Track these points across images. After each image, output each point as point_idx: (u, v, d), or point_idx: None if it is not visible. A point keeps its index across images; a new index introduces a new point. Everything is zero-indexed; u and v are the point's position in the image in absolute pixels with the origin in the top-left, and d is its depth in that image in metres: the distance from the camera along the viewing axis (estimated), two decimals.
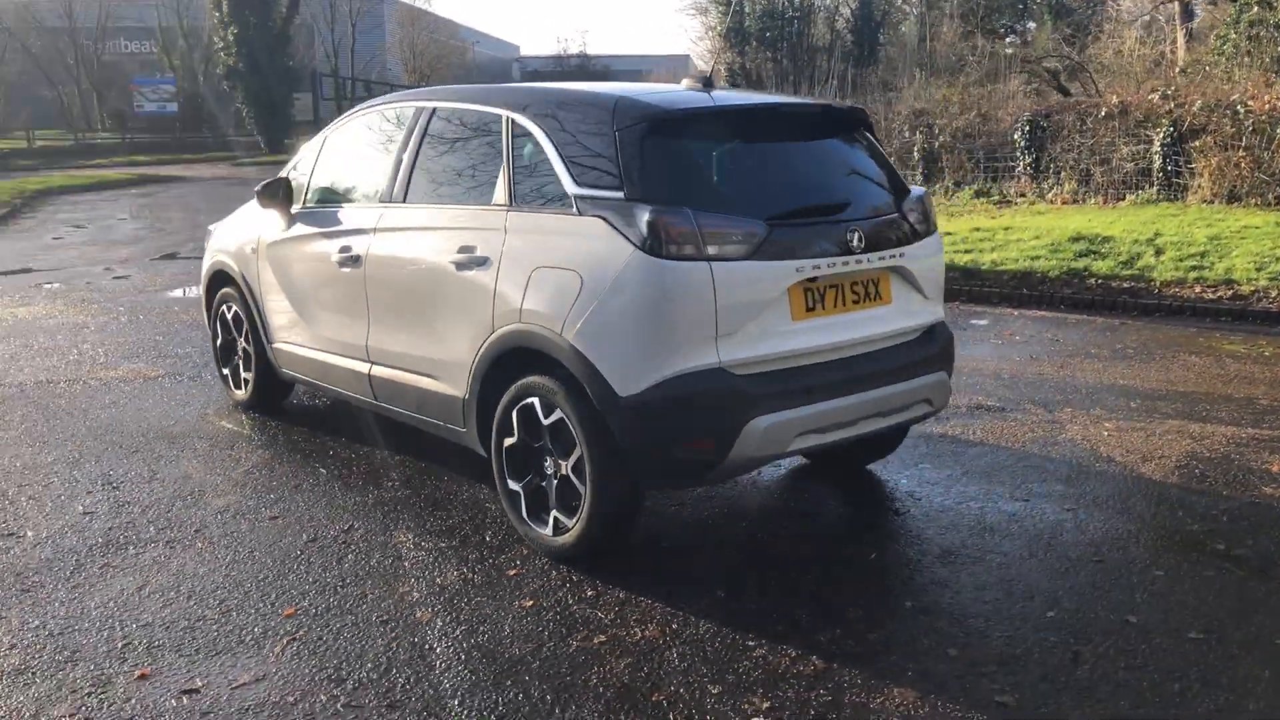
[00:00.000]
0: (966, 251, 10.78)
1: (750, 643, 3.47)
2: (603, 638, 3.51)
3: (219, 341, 6.35)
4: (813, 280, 3.93)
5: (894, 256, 4.20)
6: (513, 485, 4.22)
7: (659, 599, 3.78)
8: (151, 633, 3.56)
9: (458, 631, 3.55)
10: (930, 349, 4.43)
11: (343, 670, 3.31)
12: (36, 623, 3.65)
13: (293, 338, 5.60)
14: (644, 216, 3.71)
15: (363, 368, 5.02)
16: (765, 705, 3.09)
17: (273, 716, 3.06)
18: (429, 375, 4.56)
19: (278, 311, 5.66)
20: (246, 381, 6.14)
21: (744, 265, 3.76)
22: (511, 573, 4.01)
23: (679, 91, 4.35)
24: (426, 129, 4.79)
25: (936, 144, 16.42)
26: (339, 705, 3.12)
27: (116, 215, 19.82)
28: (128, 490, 4.95)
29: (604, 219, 3.81)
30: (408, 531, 4.42)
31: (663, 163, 3.85)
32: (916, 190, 4.56)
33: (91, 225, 18.07)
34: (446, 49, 64.32)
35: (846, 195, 4.32)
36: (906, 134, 16.93)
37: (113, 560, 4.15)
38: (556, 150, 4.07)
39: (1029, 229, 11.65)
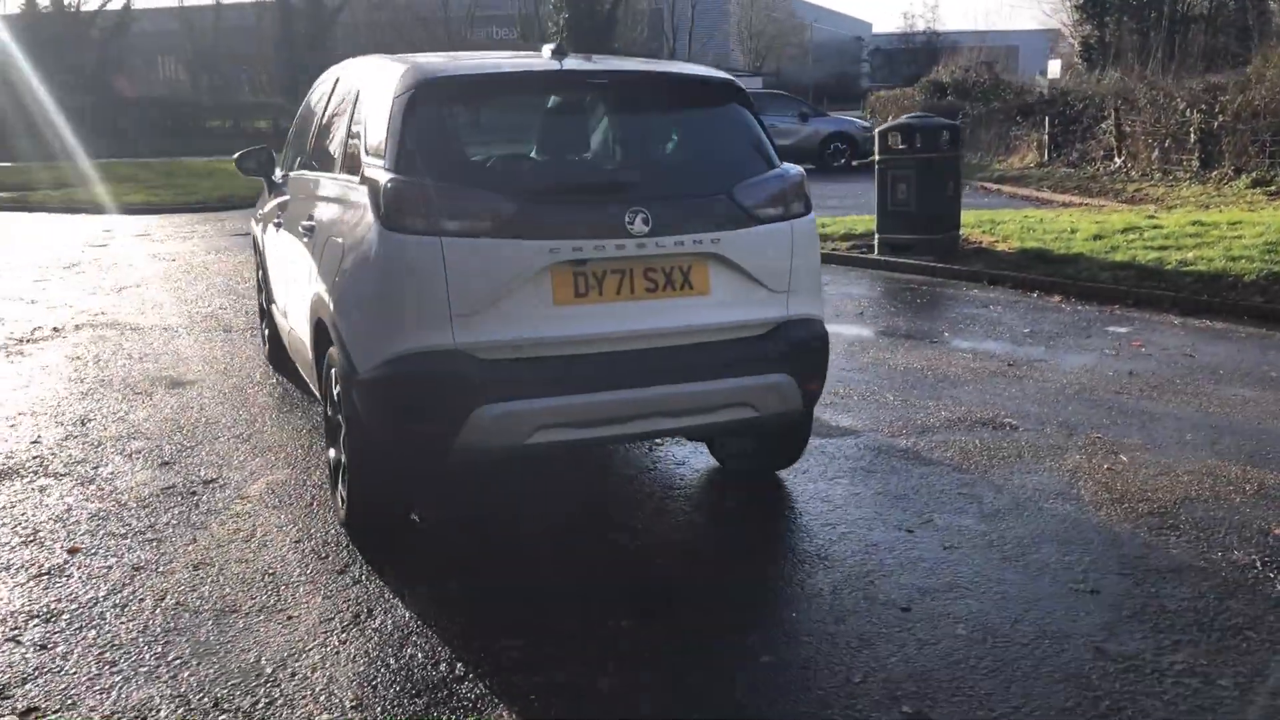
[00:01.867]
0: (1158, 249, 9.26)
1: (490, 640, 3.27)
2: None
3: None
4: (580, 263, 3.58)
5: (707, 242, 3.73)
6: (330, 453, 4.23)
7: (400, 583, 3.65)
8: None
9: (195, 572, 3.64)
10: (767, 348, 3.89)
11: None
12: None
13: (277, 301, 5.93)
14: (381, 187, 3.57)
15: (286, 329, 5.22)
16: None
17: None
18: (301, 342, 4.68)
19: (271, 276, 6.03)
20: (264, 338, 6.59)
21: (484, 243, 3.48)
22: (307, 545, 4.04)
23: (493, 59, 4.11)
24: (330, 95, 4.87)
25: (1215, 124, 14.16)
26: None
27: None
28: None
29: (368, 189, 3.70)
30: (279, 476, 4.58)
31: (427, 133, 3.64)
32: (779, 171, 4.02)
33: None
34: (784, 28, 64.21)
35: (640, 173, 3.89)
36: (1186, 112, 14.73)
37: None
38: (362, 119, 4.01)
39: (1260, 224, 9.80)
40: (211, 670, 3.04)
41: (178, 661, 3.09)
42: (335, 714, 2.82)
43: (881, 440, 5.09)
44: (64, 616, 3.37)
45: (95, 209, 17.36)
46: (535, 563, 3.86)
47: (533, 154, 3.91)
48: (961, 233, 10.51)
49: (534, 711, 2.84)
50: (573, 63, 4.01)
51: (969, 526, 4.08)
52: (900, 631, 3.28)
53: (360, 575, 3.67)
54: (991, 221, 11.33)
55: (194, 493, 4.46)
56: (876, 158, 10.12)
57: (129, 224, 15.82)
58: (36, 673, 3.04)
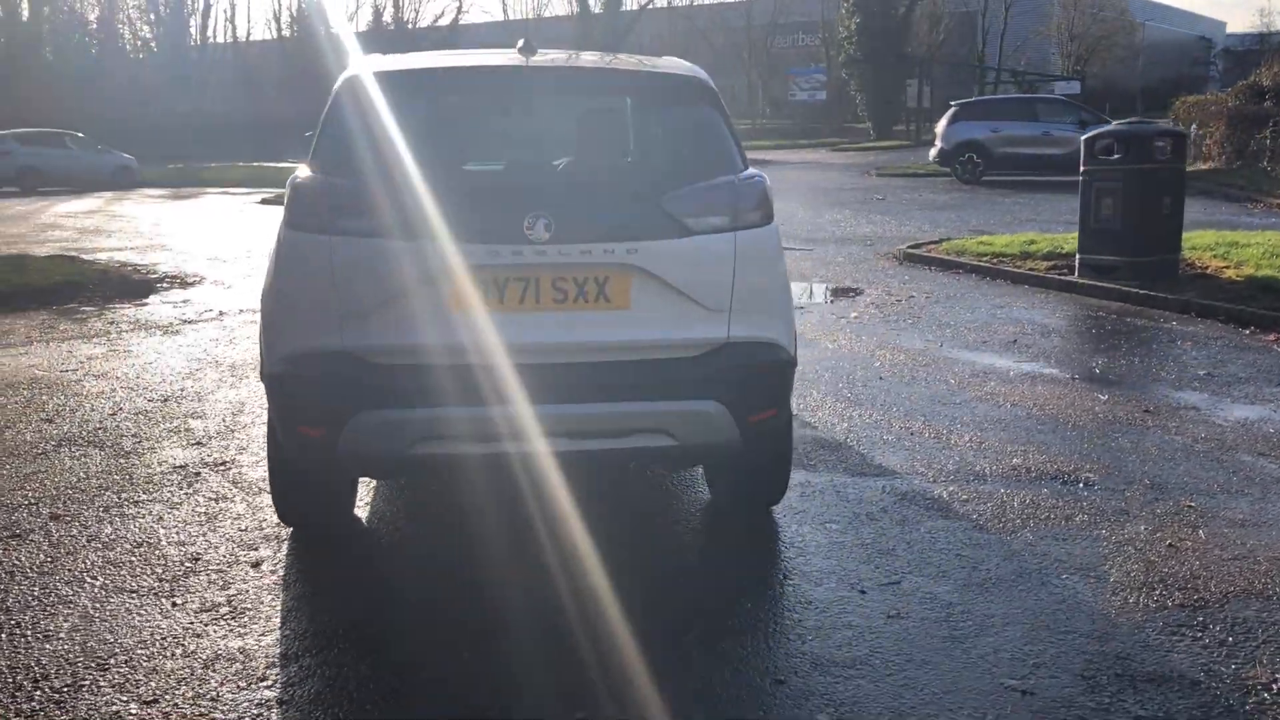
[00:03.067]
0: None
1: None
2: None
3: None
4: (479, 269, 3.38)
5: (622, 253, 3.41)
6: None
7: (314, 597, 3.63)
8: None
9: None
10: (694, 371, 3.51)
11: None
12: None
13: None
14: (288, 184, 3.54)
15: None
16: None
17: None
18: None
19: None
20: None
21: (376, 243, 3.36)
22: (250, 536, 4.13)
23: (460, 56, 3.95)
24: None
25: None
26: None
27: None
28: None
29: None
30: None
31: (347, 130, 3.56)
32: (729, 178, 3.61)
33: None
34: (1111, 29, 59.28)
35: (560, 176, 3.60)
36: None
37: None
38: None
39: None
40: None
41: None
42: None
43: (914, 485, 4.50)
44: None
45: None
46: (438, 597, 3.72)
47: (454, 154, 3.74)
48: (1185, 255, 9.16)
49: None
50: (538, 60, 3.82)
51: (936, 595, 3.49)
52: (754, 712, 2.85)
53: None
54: (1233, 244, 9.78)
55: None
56: (1081, 169, 9.03)
57: None
58: None
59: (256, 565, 3.72)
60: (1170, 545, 3.87)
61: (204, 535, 3.96)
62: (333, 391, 3.39)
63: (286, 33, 58.32)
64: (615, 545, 3.88)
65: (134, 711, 2.79)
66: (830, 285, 9.86)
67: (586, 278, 3.43)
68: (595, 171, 3.65)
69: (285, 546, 3.89)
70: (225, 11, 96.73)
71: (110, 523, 4.07)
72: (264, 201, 22.09)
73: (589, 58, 4.18)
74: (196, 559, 3.75)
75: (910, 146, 35.32)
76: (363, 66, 3.76)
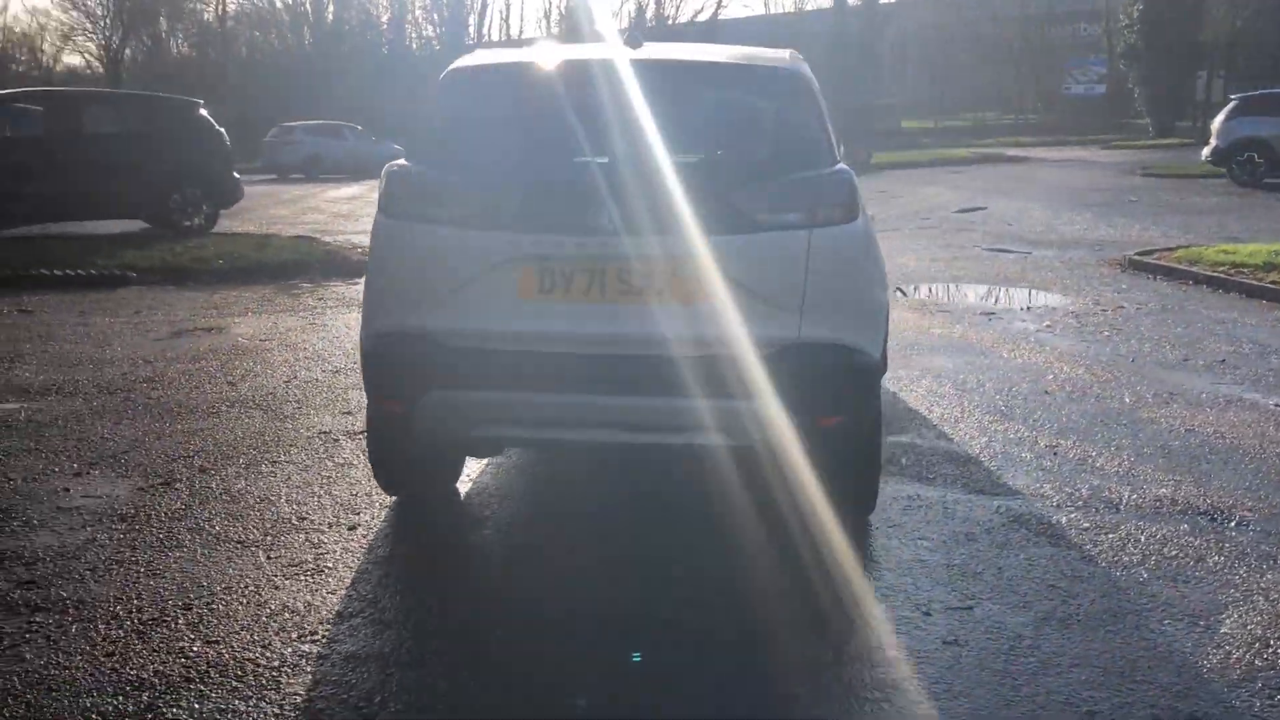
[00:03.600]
0: None
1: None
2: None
3: None
4: (545, 259, 3.45)
5: (687, 247, 3.37)
6: None
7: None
8: None
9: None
10: (761, 371, 3.40)
11: None
12: None
13: None
14: (383, 171, 3.74)
15: None
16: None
17: None
18: None
19: None
20: None
21: (453, 231, 3.50)
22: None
23: (565, 49, 3.99)
24: None
25: None
26: None
27: (885, 189, 21.47)
28: None
29: None
30: None
31: (442, 121, 3.73)
32: (809, 174, 3.52)
33: None
34: None
35: (629, 168, 3.55)
36: None
37: None
38: None
39: None
40: None
41: None
42: None
43: (1034, 509, 4.18)
44: None
45: None
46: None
47: (537, 145, 3.80)
48: None
49: None
50: (639, 53, 3.85)
51: (1006, 625, 3.25)
52: None
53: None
54: None
55: None
56: None
57: None
58: None
59: (352, 529, 3.97)
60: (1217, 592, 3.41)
61: (318, 497, 4.27)
62: (409, 369, 3.57)
63: (556, 30, 61.07)
64: (683, 541, 3.86)
65: (196, 649, 3.06)
66: (1033, 291, 9.25)
67: (652, 271, 3.43)
68: (670, 164, 3.62)
69: (384, 514, 4.13)
70: (500, 11, 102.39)
71: (245, 478, 4.47)
72: None
73: (688, 50, 4.14)
74: (303, 518, 4.06)
75: (1192, 145, 32.26)
76: (468, 60, 3.92)
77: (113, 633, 3.16)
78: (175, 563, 3.66)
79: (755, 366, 3.42)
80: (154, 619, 3.25)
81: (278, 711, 2.77)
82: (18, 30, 60.43)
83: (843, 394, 3.51)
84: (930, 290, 9.43)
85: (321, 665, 3.00)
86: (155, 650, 3.06)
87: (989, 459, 4.76)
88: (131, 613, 3.28)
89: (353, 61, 50.30)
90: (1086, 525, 4.01)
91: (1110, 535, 3.92)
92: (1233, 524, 4.02)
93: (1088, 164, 28.43)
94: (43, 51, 59.87)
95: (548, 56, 3.93)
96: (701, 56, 4.02)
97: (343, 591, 3.46)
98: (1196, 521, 4.05)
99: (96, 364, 6.40)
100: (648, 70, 3.76)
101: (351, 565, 3.66)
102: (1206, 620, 3.28)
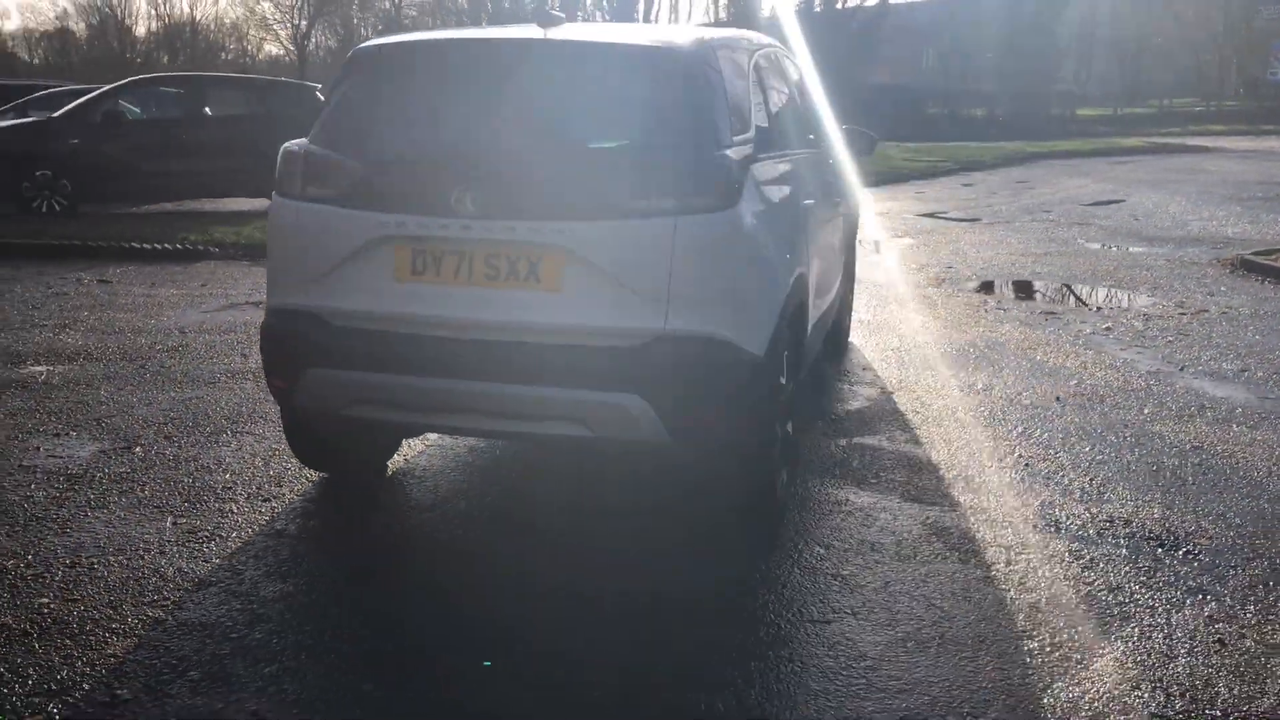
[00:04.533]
0: None
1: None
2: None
3: None
4: (419, 240, 3.44)
5: (549, 233, 3.31)
6: None
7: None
8: None
9: None
10: (622, 362, 3.31)
11: None
12: None
13: None
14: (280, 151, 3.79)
15: None
16: None
17: None
18: None
19: None
20: None
21: (330, 210, 3.54)
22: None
23: (471, 30, 3.96)
24: None
25: None
26: None
27: (1026, 179, 20.40)
28: None
29: None
30: None
31: (346, 99, 3.73)
32: (685, 159, 3.36)
33: (978, 186, 19.12)
34: None
35: (499, 150, 3.47)
36: None
37: None
38: None
39: None
40: None
41: None
42: None
43: (962, 523, 3.91)
44: None
45: None
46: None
47: (422, 126, 3.78)
48: None
49: None
50: (553, 33, 3.78)
51: (856, 643, 3.05)
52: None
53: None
54: None
55: None
56: None
57: None
58: None
59: (266, 500, 4.09)
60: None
61: (254, 469, 4.41)
62: (291, 347, 3.65)
63: (724, 15, 60.70)
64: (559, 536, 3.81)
65: (51, 606, 3.22)
66: (1115, 290, 8.61)
67: (518, 256, 3.38)
68: (540, 147, 3.55)
69: (305, 489, 4.23)
70: None
71: (200, 447, 4.66)
72: None
73: (592, 31, 4.03)
74: (229, 488, 4.19)
75: None
76: (375, 40, 3.94)
77: (26, 577, 3.37)
78: (92, 523, 3.85)
79: (615, 357, 3.33)
80: (36, 574, 3.43)
81: (88, 670, 2.89)
82: (228, 21, 64.58)
83: (715, 390, 3.37)
84: (1000, 286, 8.92)
85: (153, 630, 3.10)
86: (12, 603, 3.23)
87: (949, 468, 4.47)
88: (20, 566, 3.49)
89: None
90: (1009, 544, 3.72)
91: (1029, 555, 3.62)
92: (1179, 553, 3.65)
93: (1267, 155, 26.23)
94: (248, 40, 63.99)
95: (453, 38, 3.92)
96: (599, 38, 3.91)
97: (216, 561, 3.57)
98: (1139, 547, 3.69)
99: (135, 333, 6.80)
100: (542, 52, 3.70)
101: (243, 537, 3.77)
102: (1083, 655, 2.99)
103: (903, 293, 8.55)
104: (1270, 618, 3.20)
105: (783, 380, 3.80)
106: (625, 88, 3.59)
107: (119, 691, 2.79)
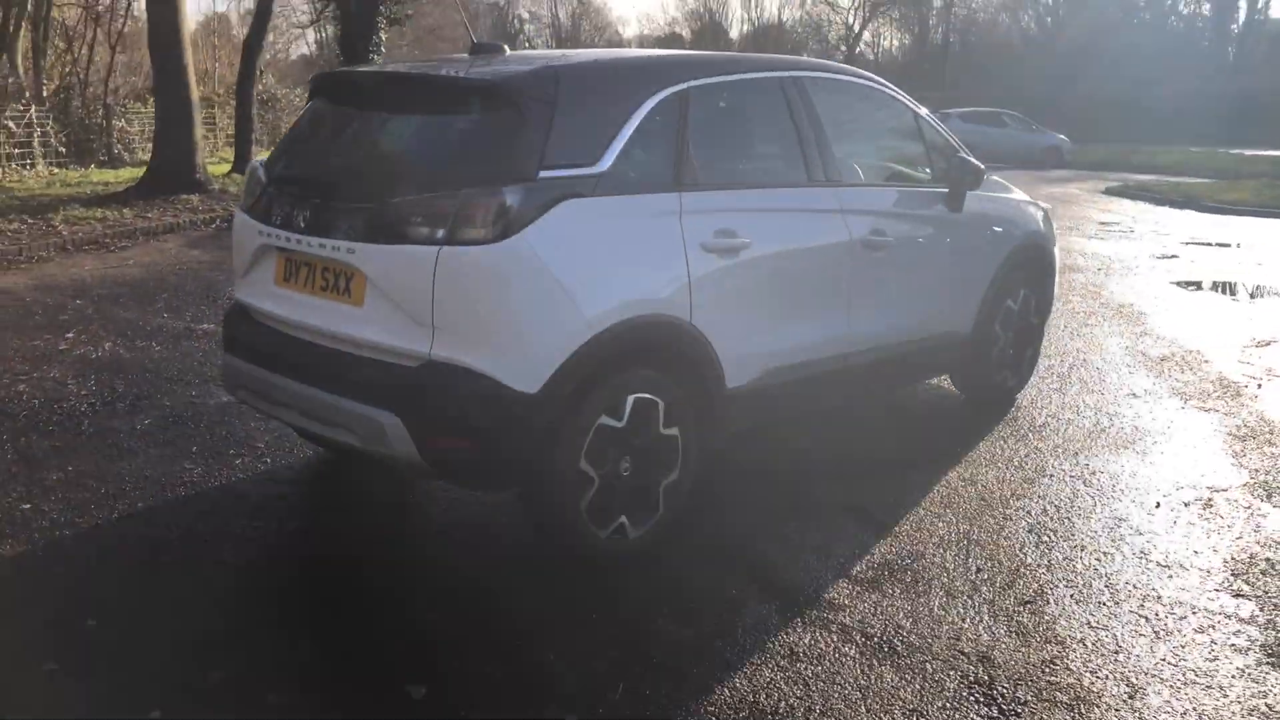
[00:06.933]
0: None
1: None
2: None
3: None
4: (285, 251, 3.93)
5: (344, 251, 3.64)
6: None
7: None
8: None
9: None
10: (384, 379, 3.60)
11: None
12: None
13: None
14: None
15: None
16: None
17: None
18: None
19: None
20: None
21: (245, 219, 4.17)
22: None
23: (405, 61, 4.41)
24: None
25: None
26: None
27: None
28: None
29: None
30: None
31: (300, 119, 4.41)
32: (468, 190, 3.49)
33: None
34: None
35: (338, 173, 4.00)
36: None
37: None
38: None
39: None
40: None
41: None
42: None
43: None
44: None
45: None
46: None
47: (316, 147, 4.28)
48: None
49: None
50: (451, 67, 4.09)
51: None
52: None
53: None
54: None
55: None
56: None
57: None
58: None
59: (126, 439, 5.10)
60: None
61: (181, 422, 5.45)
62: (226, 334, 4.41)
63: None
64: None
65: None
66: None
67: (339, 271, 3.75)
68: (364, 172, 3.97)
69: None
70: None
71: (154, 399, 5.80)
72: (1108, 191, 20.87)
73: (438, 66, 4.20)
74: (132, 433, 5.27)
75: None
76: (324, 70, 4.69)
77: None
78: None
79: (381, 373, 3.64)
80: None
81: None
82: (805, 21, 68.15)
83: (464, 419, 3.53)
84: None
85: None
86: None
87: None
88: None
89: (1097, 39, 47.12)
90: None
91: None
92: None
93: None
94: (830, 39, 66.70)
95: (350, 70, 4.62)
96: (450, 72, 4.02)
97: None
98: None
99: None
100: (398, 85, 4.18)
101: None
102: None
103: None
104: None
105: (602, 420, 3.78)
106: (455, 120, 3.81)
107: None
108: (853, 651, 3.40)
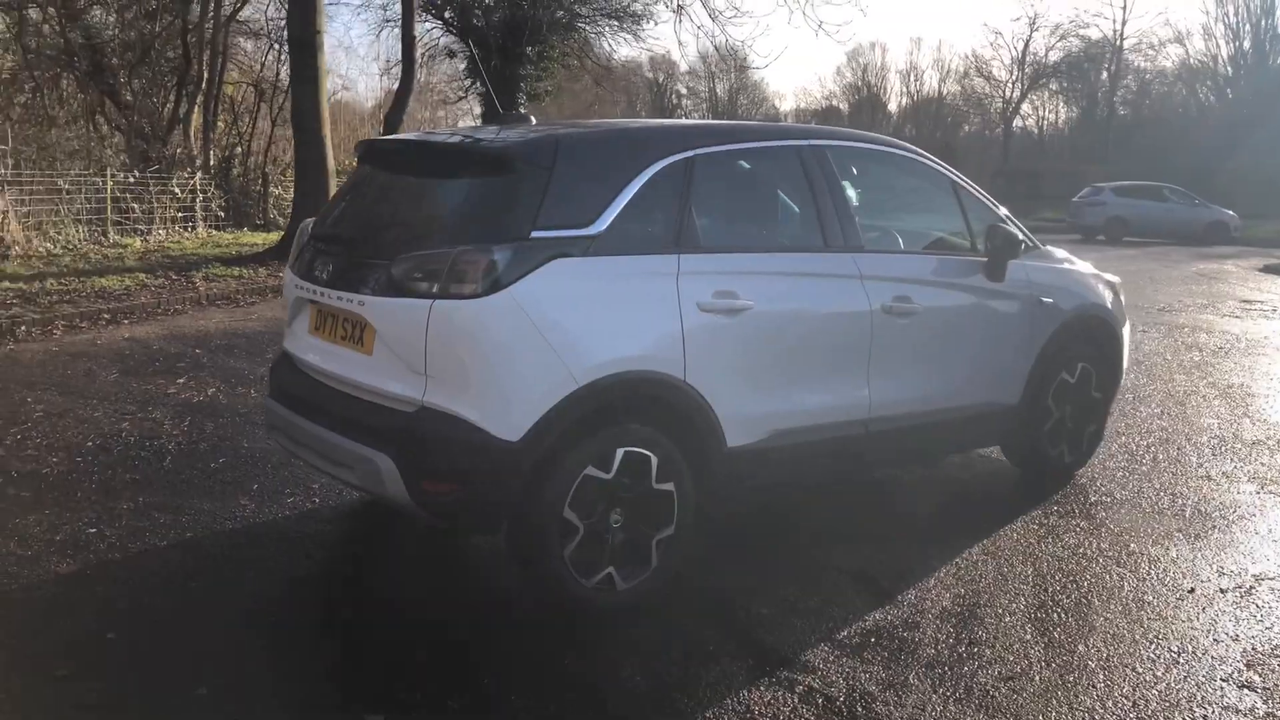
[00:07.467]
0: None
1: None
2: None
3: None
4: (317, 303, 4.27)
5: (355, 303, 3.96)
6: None
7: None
8: None
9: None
10: (384, 423, 3.87)
11: None
12: None
13: None
14: None
15: None
16: None
17: None
18: None
19: None
20: None
21: (288, 273, 4.61)
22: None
23: (449, 129, 4.79)
24: None
25: None
26: None
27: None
28: None
29: None
30: None
31: (347, 181, 4.86)
32: (463, 247, 3.74)
33: None
34: None
35: (360, 231, 4.35)
36: None
37: None
38: None
39: None
40: None
41: None
42: None
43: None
44: None
45: None
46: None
47: (348, 208, 4.61)
48: None
49: None
50: (479, 132, 4.58)
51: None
52: None
53: None
54: None
55: None
56: None
57: None
58: None
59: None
60: None
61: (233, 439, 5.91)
62: (271, 380, 4.75)
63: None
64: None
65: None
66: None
67: (354, 322, 4.06)
68: (382, 229, 4.27)
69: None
70: None
71: (237, 442, 6.29)
72: (1266, 269, 19.70)
73: (452, 134, 4.66)
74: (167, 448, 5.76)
75: None
76: (370, 137, 5.09)
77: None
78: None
79: (381, 417, 3.91)
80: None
81: None
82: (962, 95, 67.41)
83: (452, 465, 3.74)
84: None
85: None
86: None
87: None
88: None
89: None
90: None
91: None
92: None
93: None
94: (990, 111, 65.66)
95: (383, 139, 5.08)
96: (464, 138, 4.43)
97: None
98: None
99: None
100: (417, 151, 4.60)
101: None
102: None
103: None
104: None
105: (589, 471, 3.91)
106: (462, 183, 4.11)
107: None
108: (810, 715, 3.40)
